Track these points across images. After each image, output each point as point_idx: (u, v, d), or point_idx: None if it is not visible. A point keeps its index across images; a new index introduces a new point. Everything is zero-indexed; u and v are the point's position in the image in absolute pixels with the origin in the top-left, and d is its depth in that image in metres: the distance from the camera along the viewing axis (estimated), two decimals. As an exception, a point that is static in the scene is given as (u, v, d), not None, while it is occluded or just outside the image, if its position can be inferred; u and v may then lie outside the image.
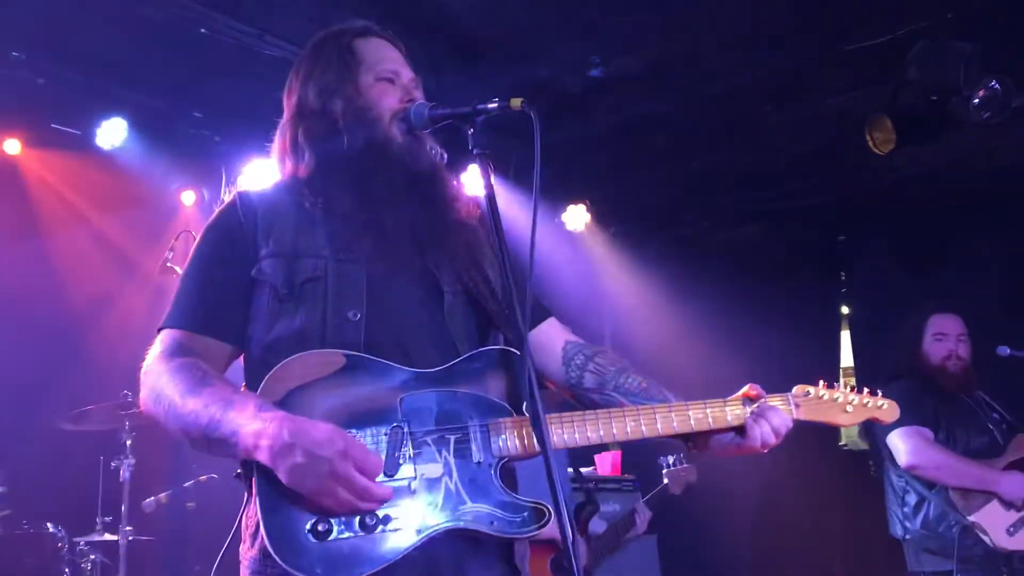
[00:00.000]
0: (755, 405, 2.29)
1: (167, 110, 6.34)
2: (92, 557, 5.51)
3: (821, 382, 2.45)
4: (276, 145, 2.42)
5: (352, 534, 1.93)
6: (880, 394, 2.55)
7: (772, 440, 2.27)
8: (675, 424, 2.24)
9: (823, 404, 2.43)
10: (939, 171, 6.91)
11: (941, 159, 6.67)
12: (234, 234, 2.23)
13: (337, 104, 2.33)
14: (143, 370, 2.16)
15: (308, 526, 1.92)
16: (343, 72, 2.36)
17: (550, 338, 2.46)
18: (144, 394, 2.14)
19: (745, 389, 2.34)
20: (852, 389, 2.51)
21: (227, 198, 2.33)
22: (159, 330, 2.22)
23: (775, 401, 2.34)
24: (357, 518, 1.94)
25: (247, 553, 2.09)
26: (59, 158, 6.46)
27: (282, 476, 1.90)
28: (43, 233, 6.57)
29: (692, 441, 2.34)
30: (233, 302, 2.20)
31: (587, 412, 2.20)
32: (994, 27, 5.43)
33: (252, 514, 2.04)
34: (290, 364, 2.04)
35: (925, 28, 5.46)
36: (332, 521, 1.92)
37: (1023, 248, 6.84)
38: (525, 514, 2.04)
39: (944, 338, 4.99)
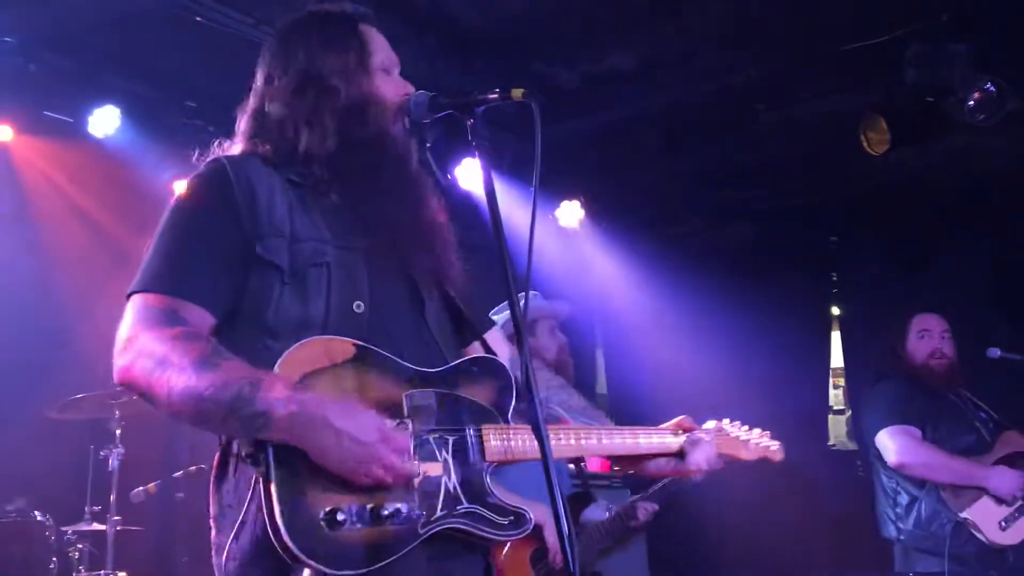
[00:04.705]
0: (686, 436, 2.53)
1: (160, 99, 6.30)
2: (80, 546, 5.49)
3: (726, 419, 2.73)
4: (275, 111, 2.28)
5: (364, 526, 1.93)
6: (770, 434, 2.80)
7: (705, 467, 2.50)
8: (629, 446, 2.45)
9: (731, 440, 2.69)
10: (931, 173, 6.93)
11: (933, 161, 6.68)
12: (228, 200, 2.11)
13: (343, 86, 2.26)
14: (126, 336, 2.00)
15: (323, 514, 1.89)
16: (355, 57, 2.30)
17: (495, 348, 2.44)
18: (132, 361, 1.98)
19: (679, 419, 2.57)
20: (748, 428, 2.77)
21: (220, 163, 2.19)
22: (136, 292, 2.07)
23: (701, 434, 2.57)
24: (369, 510, 1.93)
25: (236, 544, 2.01)
26: (51, 146, 6.41)
27: (318, 456, 1.89)
28: (34, 221, 6.53)
29: (623, 464, 2.61)
30: (226, 272, 2.08)
31: (557, 426, 2.35)
32: (990, 29, 5.44)
33: (258, 502, 1.93)
34: (302, 348, 1.99)
35: (921, 29, 5.46)
36: (347, 511, 1.91)
37: (1014, 251, 6.86)
38: (511, 517, 2.11)
39: (927, 335, 5.03)
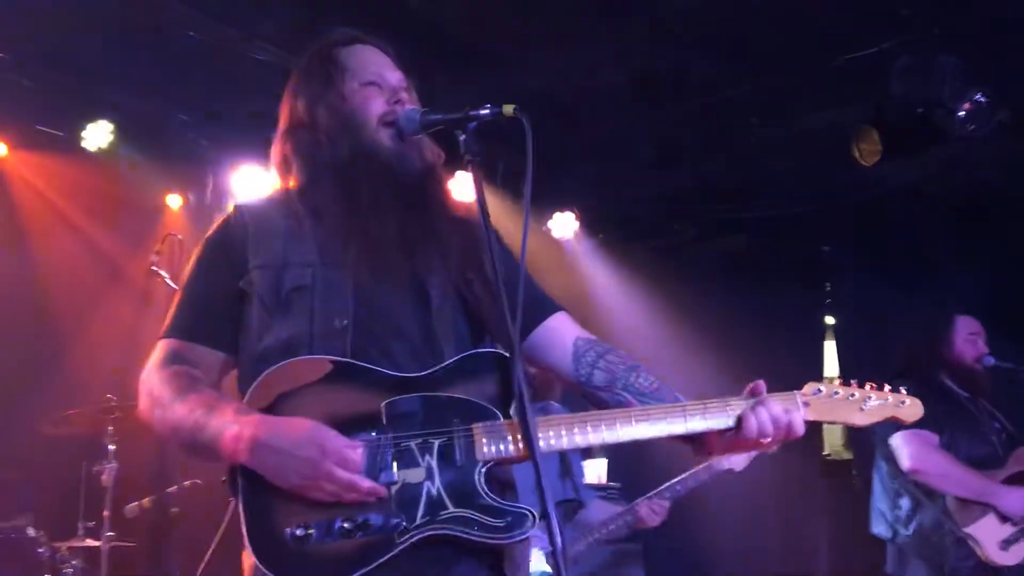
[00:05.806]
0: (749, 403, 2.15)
1: (154, 113, 6.32)
2: (73, 562, 5.45)
3: (836, 378, 2.29)
4: (271, 160, 2.45)
5: (332, 540, 1.95)
6: (904, 390, 2.33)
7: (770, 429, 2.11)
8: (668, 427, 2.14)
9: (836, 403, 2.24)
10: (923, 183, 6.96)
11: (925, 171, 6.72)
12: (226, 245, 2.29)
13: (322, 113, 2.34)
14: (141, 379, 2.22)
15: (289, 532, 1.94)
16: (326, 82, 2.38)
17: (560, 333, 2.40)
18: (142, 401, 2.20)
19: (748, 387, 2.20)
20: (871, 386, 2.29)
21: (229, 209, 2.38)
22: (159, 339, 2.28)
23: (771, 400, 2.17)
24: (337, 524, 1.95)
25: (248, 559, 2.07)
26: (45, 160, 6.42)
27: (265, 476, 1.96)
28: (28, 235, 6.53)
29: (696, 443, 2.24)
30: (224, 312, 2.25)
31: (575, 415, 2.17)
32: (979, 41, 5.47)
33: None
34: (278, 371, 2.06)
35: (910, 42, 5.50)
36: (312, 527, 1.95)
37: (1006, 261, 6.89)
38: (508, 519, 2.02)
39: (977, 338, 4.93)
